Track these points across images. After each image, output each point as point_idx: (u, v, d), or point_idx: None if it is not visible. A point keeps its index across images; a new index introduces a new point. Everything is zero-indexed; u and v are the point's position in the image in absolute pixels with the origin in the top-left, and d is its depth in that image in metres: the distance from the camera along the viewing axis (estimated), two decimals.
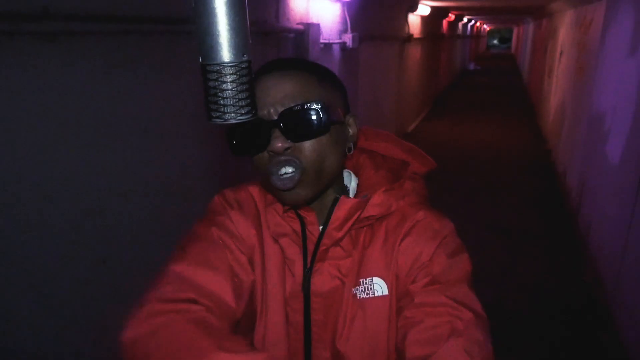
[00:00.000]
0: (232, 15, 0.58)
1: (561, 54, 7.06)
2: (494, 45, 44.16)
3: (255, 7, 2.83)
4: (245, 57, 0.63)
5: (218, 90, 0.63)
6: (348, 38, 4.37)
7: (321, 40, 3.71)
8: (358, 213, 0.80)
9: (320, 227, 0.85)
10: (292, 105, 0.75)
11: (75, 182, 1.80)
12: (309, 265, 0.85)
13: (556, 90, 7.26)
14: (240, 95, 0.63)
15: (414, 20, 8.09)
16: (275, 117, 0.74)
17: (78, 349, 1.90)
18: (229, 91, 0.62)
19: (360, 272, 0.83)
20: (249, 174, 0.89)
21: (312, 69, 0.81)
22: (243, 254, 0.85)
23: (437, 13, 10.10)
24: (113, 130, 1.94)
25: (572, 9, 6.30)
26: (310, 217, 0.84)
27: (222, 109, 0.64)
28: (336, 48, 4.41)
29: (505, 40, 42.37)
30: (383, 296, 0.82)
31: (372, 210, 0.81)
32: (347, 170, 0.94)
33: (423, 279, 0.77)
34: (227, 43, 0.60)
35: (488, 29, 35.62)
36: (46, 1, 1.54)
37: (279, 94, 0.75)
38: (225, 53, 0.61)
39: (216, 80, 0.62)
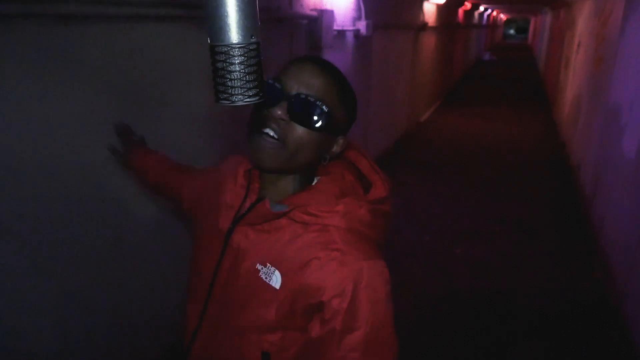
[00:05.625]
0: None
1: (579, 45, 6.94)
2: (511, 35, 43.54)
3: None
4: (253, 39, 0.63)
5: (226, 72, 0.63)
6: (362, 25, 4.33)
7: (334, 27, 3.68)
8: (262, 219, 0.89)
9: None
10: (309, 93, 0.85)
11: (89, 167, 1.82)
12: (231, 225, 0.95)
13: (573, 82, 7.15)
14: (248, 77, 0.63)
15: (429, 9, 7.99)
16: (293, 93, 0.85)
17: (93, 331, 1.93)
18: (237, 73, 0.62)
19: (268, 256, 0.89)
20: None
21: (344, 87, 0.92)
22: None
23: (453, 1, 9.96)
24: (125, 113, 1.95)
25: None
26: (255, 189, 0.96)
27: (230, 91, 0.63)
28: (350, 35, 4.37)
29: (522, 30, 41.73)
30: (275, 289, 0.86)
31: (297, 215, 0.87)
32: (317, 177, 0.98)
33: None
34: (236, 24, 0.60)
35: (505, 18, 35.10)
36: None
37: (308, 80, 0.86)
38: (234, 34, 0.61)
39: (224, 61, 0.62)
